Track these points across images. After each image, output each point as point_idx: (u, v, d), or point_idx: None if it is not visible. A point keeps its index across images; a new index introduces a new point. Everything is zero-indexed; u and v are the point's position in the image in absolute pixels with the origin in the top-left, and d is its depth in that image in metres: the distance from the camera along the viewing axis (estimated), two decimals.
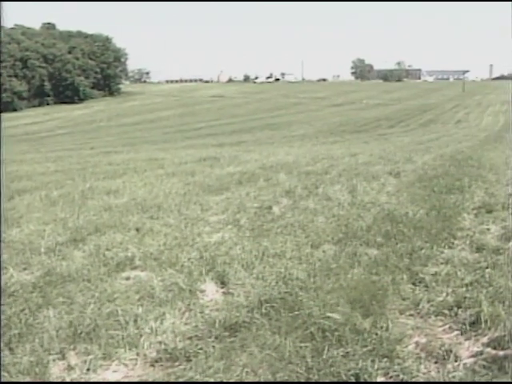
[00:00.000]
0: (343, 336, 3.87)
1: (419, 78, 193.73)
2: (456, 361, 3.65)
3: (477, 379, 3.42)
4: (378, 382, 3.44)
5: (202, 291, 4.87)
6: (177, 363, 3.67)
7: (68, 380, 3.53)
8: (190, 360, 3.67)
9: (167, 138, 44.49)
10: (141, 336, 3.99)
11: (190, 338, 3.98)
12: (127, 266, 5.45)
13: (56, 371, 3.61)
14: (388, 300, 4.54)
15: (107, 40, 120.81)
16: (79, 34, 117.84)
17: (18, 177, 12.13)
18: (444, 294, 4.67)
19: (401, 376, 3.47)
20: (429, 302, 4.54)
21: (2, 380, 3.49)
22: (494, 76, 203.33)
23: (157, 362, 3.72)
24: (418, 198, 8.34)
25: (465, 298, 4.53)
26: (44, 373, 3.56)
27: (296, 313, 4.26)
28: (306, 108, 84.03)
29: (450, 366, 3.58)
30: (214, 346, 3.82)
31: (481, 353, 3.74)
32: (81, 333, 4.02)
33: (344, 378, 3.44)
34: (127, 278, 5.16)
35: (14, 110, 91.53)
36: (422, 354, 3.73)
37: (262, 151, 19.05)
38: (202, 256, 5.68)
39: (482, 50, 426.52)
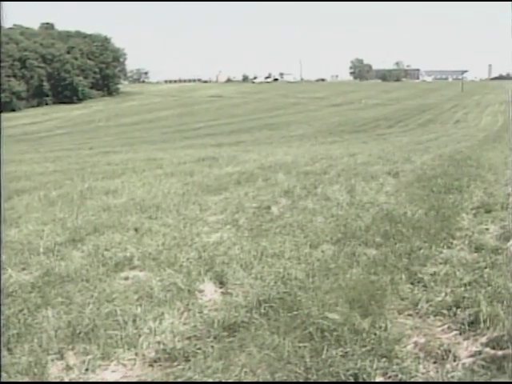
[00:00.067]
0: (342, 336, 3.87)
1: (418, 78, 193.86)
2: (455, 361, 3.65)
3: (476, 379, 3.42)
4: (377, 382, 3.44)
5: (201, 291, 4.87)
6: (175, 363, 3.67)
7: (67, 380, 3.53)
8: (189, 360, 3.67)
9: (166, 138, 44.50)
10: (139, 336, 3.99)
11: (189, 338, 3.97)
12: (126, 266, 5.45)
13: (55, 371, 3.61)
14: (387, 300, 4.54)
15: (106, 40, 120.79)
16: (78, 34, 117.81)
17: (17, 177, 12.13)
18: (443, 294, 4.67)
19: (399, 376, 3.47)
20: (427, 301, 4.54)
21: (2, 380, 3.49)
22: (493, 76, 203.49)
23: (155, 362, 3.72)
24: (416, 197, 8.34)
25: (463, 297, 4.53)
26: (42, 373, 3.56)
27: (295, 313, 4.26)
28: (304, 108, 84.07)
29: (448, 366, 3.58)
30: (212, 346, 3.82)
31: (480, 353, 3.74)
32: (79, 333, 4.02)
33: (343, 378, 3.44)
34: (126, 278, 5.16)
35: (13, 110, 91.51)
36: (421, 354, 3.73)
37: (261, 151, 19.06)
38: (201, 256, 5.68)
39: (480, 50, 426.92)
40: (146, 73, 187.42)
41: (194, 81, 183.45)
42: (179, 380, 3.47)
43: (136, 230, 6.73)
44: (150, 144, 33.70)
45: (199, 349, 3.79)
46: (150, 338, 3.98)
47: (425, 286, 4.90)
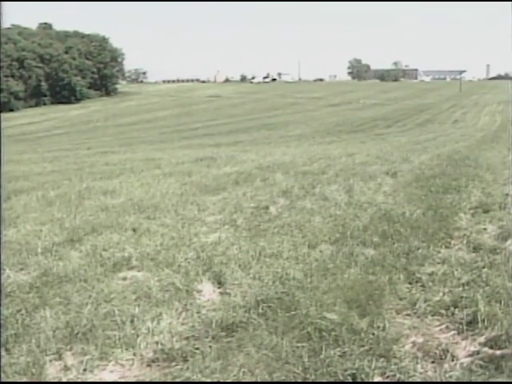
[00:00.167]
0: (340, 336, 3.87)
1: (416, 78, 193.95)
2: (453, 360, 3.65)
3: (474, 379, 3.42)
4: (375, 381, 3.44)
5: (199, 291, 4.87)
6: (173, 363, 3.67)
7: (65, 380, 3.53)
8: (187, 360, 3.67)
9: (164, 138, 44.46)
10: (137, 336, 3.99)
11: (187, 338, 3.97)
12: (124, 267, 5.44)
13: (52, 372, 3.60)
14: (385, 300, 4.54)
15: (104, 40, 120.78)
16: (76, 34, 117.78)
17: (15, 177, 12.10)
18: (441, 294, 4.67)
19: (398, 376, 3.47)
20: (425, 301, 4.54)
21: (2, 380, 3.49)
22: (491, 76, 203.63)
23: (153, 362, 3.72)
24: (414, 197, 8.35)
25: (461, 297, 4.54)
26: (40, 373, 3.55)
27: (293, 313, 4.26)
28: (302, 108, 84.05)
29: (446, 366, 3.58)
30: (210, 346, 3.82)
31: (478, 352, 3.75)
32: (77, 333, 4.02)
33: (341, 378, 3.44)
34: (124, 279, 5.15)
35: (11, 110, 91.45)
36: (419, 354, 3.73)
37: (259, 151, 19.06)
38: (199, 256, 5.68)
39: (478, 50, 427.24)
40: (144, 73, 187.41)
41: (192, 81, 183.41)
42: (177, 380, 3.47)
43: (134, 230, 6.73)
44: (148, 144, 33.68)
45: (197, 349, 3.79)
46: (148, 338, 3.98)
47: (423, 285, 4.91)
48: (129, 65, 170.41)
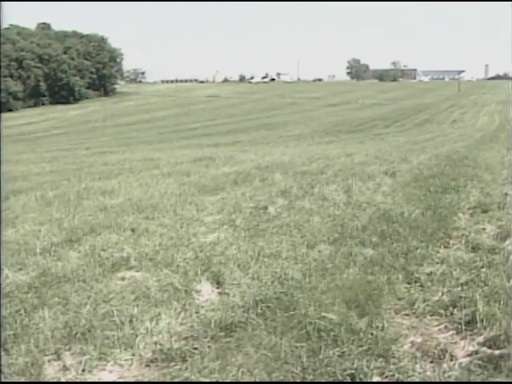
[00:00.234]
0: (339, 336, 3.87)
1: (415, 78, 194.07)
2: (451, 360, 3.65)
3: (472, 378, 3.42)
4: (374, 381, 3.44)
5: (198, 291, 4.87)
6: (172, 363, 3.66)
7: (63, 380, 3.53)
8: (186, 360, 3.67)
9: (163, 138, 44.46)
10: (136, 336, 3.99)
11: (186, 339, 3.97)
12: (123, 267, 5.44)
13: (51, 372, 3.60)
14: (383, 300, 4.54)
15: (102, 40, 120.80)
16: (74, 34, 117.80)
17: (14, 177, 12.11)
18: (439, 294, 4.67)
19: (396, 376, 3.47)
20: (424, 301, 4.54)
21: (2, 380, 3.49)
22: (490, 76, 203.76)
23: (152, 362, 3.71)
24: (413, 197, 8.35)
25: (460, 297, 4.54)
26: (39, 373, 3.55)
27: (291, 313, 4.26)
28: (301, 108, 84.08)
29: (445, 366, 3.58)
30: (209, 346, 3.82)
31: (476, 352, 3.75)
32: (76, 333, 4.01)
33: (340, 378, 3.44)
34: (123, 279, 5.15)
35: (10, 110, 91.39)
36: (418, 354, 3.73)
37: (258, 151, 19.06)
38: (198, 256, 5.68)
39: (477, 50, 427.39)
40: (142, 73, 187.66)
41: (191, 81, 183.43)
42: (176, 380, 3.47)
43: (133, 230, 6.73)
44: (146, 144, 33.69)
45: (196, 349, 3.79)
46: (146, 339, 3.97)
47: (421, 285, 4.91)
48: (127, 65, 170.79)
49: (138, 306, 4.49)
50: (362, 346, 3.76)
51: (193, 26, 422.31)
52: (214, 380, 3.43)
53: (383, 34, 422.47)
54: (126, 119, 76.79)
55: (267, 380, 3.44)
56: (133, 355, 3.78)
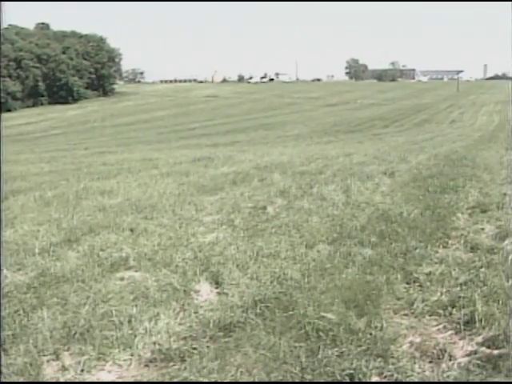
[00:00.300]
0: (337, 336, 3.87)
1: (413, 78, 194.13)
2: (450, 360, 3.65)
3: (471, 378, 3.42)
4: (373, 381, 3.44)
5: (197, 291, 4.87)
6: (171, 363, 3.66)
7: (62, 380, 3.52)
8: (185, 360, 3.67)
9: (161, 138, 44.45)
10: (135, 336, 3.99)
11: (185, 338, 3.97)
12: (121, 267, 5.44)
13: (50, 372, 3.60)
14: (382, 300, 4.54)
15: (101, 40, 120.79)
16: (73, 34, 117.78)
17: (12, 177, 12.09)
18: (438, 294, 4.67)
19: (395, 376, 3.47)
20: (423, 301, 4.54)
21: (2, 380, 3.48)
22: (488, 76, 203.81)
23: (151, 362, 3.71)
24: (412, 197, 8.35)
25: (459, 297, 4.54)
26: (38, 373, 3.55)
27: (290, 313, 4.26)
28: (300, 108, 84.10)
29: (444, 366, 3.58)
30: (208, 346, 3.82)
31: (475, 352, 3.75)
32: (75, 333, 4.01)
33: (338, 378, 3.44)
34: (121, 279, 5.15)
35: (8, 110, 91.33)
36: (417, 354, 3.73)
37: (257, 151, 19.06)
38: (197, 256, 5.68)
39: (476, 50, 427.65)
40: (141, 73, 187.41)
41: (190, 81, 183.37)
42: (175, 380, 3.47)
43: (131, 230, 6.73)
44: (145, 144, 33.68)
45: (195, 349, 3.79)
46: (145, 339, 3.97)
47: (420, 285, 4.91)
48: (126, 65, 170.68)
49: (136, 306, 4.49)
50: (360, 345, 3.76)
51: (191, 26, 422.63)
52: (212, 380, 3.43)
53: (382, 34, 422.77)
54: (125, 119, 76.80)
55: (266, 380, 3.44)
56: (132, 355, 3.78)
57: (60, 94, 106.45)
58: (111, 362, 3.72)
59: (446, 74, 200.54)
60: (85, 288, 4.87)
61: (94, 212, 7.70)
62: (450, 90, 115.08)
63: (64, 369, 3.62)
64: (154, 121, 72.49)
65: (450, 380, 3.43)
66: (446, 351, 3.73)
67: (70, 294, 4.72)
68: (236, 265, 5.40)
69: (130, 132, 56.74)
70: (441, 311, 4.37)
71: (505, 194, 8.57)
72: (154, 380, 3.51)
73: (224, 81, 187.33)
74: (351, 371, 3.48)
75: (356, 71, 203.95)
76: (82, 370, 3.61)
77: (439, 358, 3.67)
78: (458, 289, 4.75)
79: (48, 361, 3.70)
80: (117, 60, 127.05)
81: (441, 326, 4.16)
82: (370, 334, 3.93)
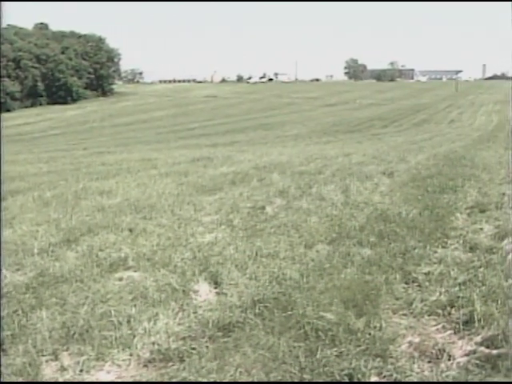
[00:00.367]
0: (336, 336, 3.88)
1: (412, 78, 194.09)
2: (449, 360, 3.65)
3: (470, 378, 3.42)
4: (372, 381, 3.44)
5: (196, 291, 4.87)
6: (170, 363, 3.66)
7: (61, 380, 3.52)
8: (184, 360, 3.67)
9: (160, 138, 44.41)
10: (134, 336, 3.99)
11: (184, 339, 3.97)
12: (120, 267, 5.44)
13: (49, 372, 3.60)
14: (381, 300, 4.55)
15: (100, 40, 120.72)
16: (72, 35, 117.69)
17: (11, 177, 12.08)
18: (437, 294, 4.68)
19: (394, 375, 3.47)
20: (422, 301, 4.54)
21: (2, 380, 3.49)
22: (487, 76, 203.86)
23: (150, 362, 3.71)
24: (411, 197, 8.35)
25: (458, 297, 4.54)
26: (37, 374, 3.55)
27: (289, 313, 4.26)
28: (299, 108, 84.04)
29: (443, 366, 3.58)
30: (207, 347, 3.82)
31: (474, 352, 3.75)
32: (74, 334, 4.01)
33: (337, 378, 3.44)
34: (120, 279, 5.15)
35: (7, 110, 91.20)
36: (416, 354, 3.73)
37: (256, 151, 19.06)
38: (196, 256, 5.68)
39: (475, 50, 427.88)
40: (140, 73, 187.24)
41: (189, 81, 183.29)
42: (174, 380, 3.47)
43: (130, 230, 6.73)
44: (144, 144, 33.65)
45: (194, 349, 3.79)
46: (144, 339, 3.97)
47: (419, 285, 4.91)
48: (125, 65, 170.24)
49: (135, 306, 4.49)
50: (359, 345, 3.76)
51: (190, 26, 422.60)
52: (211, 380, 3.43)
53: (381, 34, 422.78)
54: (124, 119, 76.72)
55: (265, 380, 3.44)
56: (130, 355, 3.78)
57: (59, 94, 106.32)
58: (110, 362, 3.72)
59: (444, 74, 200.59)
60: (84, 288, 4.87)
61: (92, 212, 7.70)
62: (448, 90, 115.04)
63: (63, 369, 3.62)
64: (152, 121, 72.42)
65: (449, 380, 3.43)
66: (444, 351, 3.74)
67: (69, 294, 4.72)
68: (235, 265, 5.40)
69: (129, 132, 56.70)
70: (440, 311, 4.37)
71: (504, 194, 8.57)
72: (153, 380, 3.51)
73: (223, 81, 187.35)
74: (350, 371, 3.49)
75: (355, 71, 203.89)
76: (81, 370, 3.61)
77: (438, 358, 3.67)
78: (457, 289, 4.75)
79: (47, 361, 3.70)
80: (116, 60, 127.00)
81: (440, 326, 4.16)
82: (369, 333, 3.93)
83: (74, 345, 3.87)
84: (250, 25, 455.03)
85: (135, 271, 5.35)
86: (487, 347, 3.79)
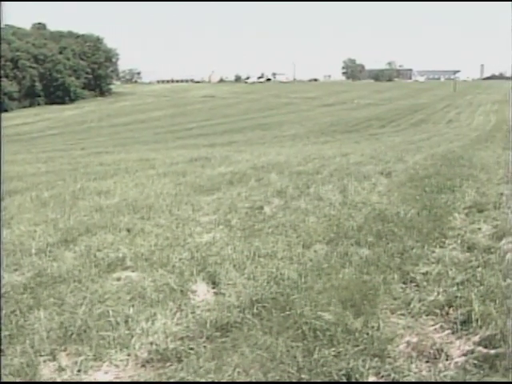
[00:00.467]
0: (334, 336, 3.88)
1: (410, 78, 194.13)
2: (447, 360, 3.65)
3: (468, 378, 3.43)
4: (370, 381, 3.45)
5: (194, 291, 4.86)
6: (168, 364, 3.66)
7: (59, 381, 3.52)
8: (182, 360, 3.67)
9: (158, 138, 44.40)
10: (132, 337, 3.98)
11: (182, 339, 3.97)
12: (118, 267, 5.44)
13: (47, 372, 3.60)
14: (379, 300, 4.55)
15: (98, 40, 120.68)
16: (70, 35, 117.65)
17: (9, 178, 12.07)
18: (435, 294, 4.68)
19: (392, 375, 3.47)
20: (420, 301, 4.54)
21: (3, 380, 3.48)
22: (485, 76, 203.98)
23: (148, 362, 3.71)
24: (409, 197, 8.36)
25: (456, 297, 4.54)
26: (35, 374, 3.55)
27: (287, 313, 4.26)
28: (297, 108, 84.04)
29: (441, 365, 3.58)
30: (205, 347, 3.82)
31: (472, 352, 3.75)
32: (72, 334, 4.01)
33: (335, 378, 3.44)
34: (118, 279, 5.15)
35: (5, 110, 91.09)
36: (414, 354, 3.73)
37: (254, 151, 19.06)
38: (194, 256, 5.68)
39: (473, 50, 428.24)
40: (138, 73, 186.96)
41: (187, 81, 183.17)
42: (172, 380, 3.47)
43: (128, 230, 6.72)
44: (142, 144, 33.65)
45: (192, 349, 3.79)
46: (142, 339, 3.97)
47: (417, 285, 4.91)
48: (123, 65, 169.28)
49: (133, 306, 4.48)
50: (357, 345, 3.76)
51: (188, 26, 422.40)
52: (209, 380, 3.43)
53: (379, 34, 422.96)
54: (122, 119, 76.69)
55: (263, 380, 3.44)
56: (128, 355, 3.78)
57: (57, 94, 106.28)
58: (108, 362, 3.72)
59: (442, 74, 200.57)
60: (81, 288, 4.86)
61: (90, 212, 7.69)
62: (446, 89, 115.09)
63: (61, 369, 3.62)
64: (150, 121, 72.39)
65: (447, 380, 3.43)
66: (442, 351, 3.74)
67: (67, 295, 4.71)
68: (233, 265, 5.40)
69: (127, 132, 56.68)
70: (438, 311, 4.38)
71: (502, 194, 8.58)
72: (151, 380, 3.51)
73: (221, 81, 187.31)
74: (348, 371, 3.49)
75: (353, 71, 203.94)
76: (79, 371, 3.60)
77: (436, 358, 3.68)
78: (455, 288, 4.75)
79: (45, 361, 3.70)
80: (114, 60, 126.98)
81: (437, 326, 4.16)
82: (367, 333, 3.93)
83: (71, 345, 3.87)
84: (248, 25, 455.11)
85: (133, 271, 5.34)
86: (485, 347, 3.79)
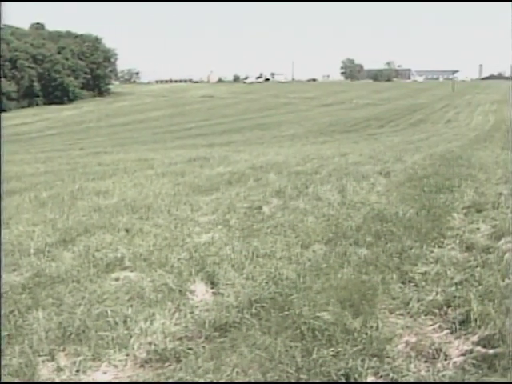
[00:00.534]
0: (333, 336, 3.88)
1: (409, 78, 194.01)
2: (446, 360, 3.66)
3: (467, 378, 3.43)
4: (368, 381, 3.45)
5: (192, 292, 4.86)
6: (167, 364, 3.66)
7: (58, 381, 3.52)
8: (180, 360, 3.67)
9: (157, 138, 44.37)
10: (131, 337, 3.98)
11: (180, 339, 3.97)
12: (117, 267, 5.43)
13: (45, 373, 3.59)
14: (378, 299, 4.55)
15: (97, 40, 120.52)
16: (68, 35, 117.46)
17: (8, 178, 12.06)
18: (434, 293, 4.68)
19: (391, 375, 3.48)
20: (418, 301, 4.55)
21: (3, 380, 3.48)
22: (484, 76, 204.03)
23: (147, 362, 3.71)
24: (407, 197, 8.36)
25: (454, 296, 4.55)
26: (33, 374, 3.54)
27: (286, 313, 4.26)
28: (295, 108, 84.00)
29: (439, 365, 3.58)
30: (204, 347, 3.82)
31: (471, 351, 3.75)
32: (70, 334, 4.01)
33: (334, 378, 3.44)
34: (117, 279, 5.15)
35: (3, 110, 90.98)
36: (412, 353, 3.74)
37: (252, 151, 19.06)
38: (192, 256, 5.68)
39: (471, 50, 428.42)
40: (137, 73, 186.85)
41: (185, 81, 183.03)
42: (170, 380, 3.47)
43: (127, 230, 6.72)
44: (141, 144, 33.63)
45: (190, 349, 3.79)
46: (141, 339, 3.97)
47: (416, 285, 4.92)
48: (122, 65, 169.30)
49: (132, 306, 4.48)
50: (356, 345, 3.76)
51: (187, 26, 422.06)
52: (208, 380, 3.43)
53: (377, 34, 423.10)
54: (121, 119, 76.60)
55: (262, 380, 3.44)
56: (127, 356, 3.78)
57: (55, 94, 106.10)
58: (107, 362, 3.72)
59: (441, 74, 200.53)
60: (80, 288, 4.86)
61: (89, 212, 7.69)
62: (445, 89, 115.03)
63: (59, 369, 3.62)
64: (149, 121, 72.32)
65: (446, 380, 3.44)
66: (441, 351, 3.74)
67: (66, 295, 4.71)
68: (231, 265, 5.40)
69: (126, 132, 56.64)
70: (436, 311, 4.38)
71: (500, 194, 8.59)
72: (150, 380, 3.51)
73: (219, 81, 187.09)
74: (347, 371, 3.49)
75: (351, 71, 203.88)
76: (78, 371, 3.60)
77: (435, 358, 3.68)
78: (454, 288, 4.76)
79: (43, 361, 3.70)
80: (112, 60, 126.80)
81: (436, 326, 4.17)
82: (366, 333, 3.93)
83: (70, 345, 3.87)
84: (246, 25, 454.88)
85: (132, 271, 5.34)
86: (484, 347, 3.80)
